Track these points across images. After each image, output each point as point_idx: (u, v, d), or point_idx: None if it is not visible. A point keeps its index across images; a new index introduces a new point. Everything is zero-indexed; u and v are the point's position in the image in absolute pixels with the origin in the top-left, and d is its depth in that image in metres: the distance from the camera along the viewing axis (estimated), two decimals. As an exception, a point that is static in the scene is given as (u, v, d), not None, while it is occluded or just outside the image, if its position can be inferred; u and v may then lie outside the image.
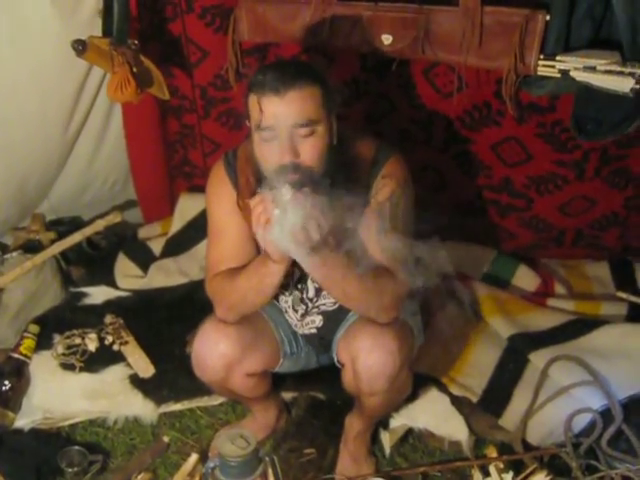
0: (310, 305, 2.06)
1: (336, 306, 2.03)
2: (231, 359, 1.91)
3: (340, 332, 2.04)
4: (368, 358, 1.82)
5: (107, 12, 2.22)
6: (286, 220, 1.56)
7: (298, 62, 1.83)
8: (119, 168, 2.99)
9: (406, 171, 1.88)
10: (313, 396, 2.37)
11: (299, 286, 2.03)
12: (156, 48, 2.44)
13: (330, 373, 2.23)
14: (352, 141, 1.86)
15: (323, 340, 2.12)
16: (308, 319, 2.09)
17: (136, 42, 2.26)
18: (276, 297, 2.05)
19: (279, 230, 1.57)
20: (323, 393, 2.35)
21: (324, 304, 2.05)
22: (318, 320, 2.08)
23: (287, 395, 2.36)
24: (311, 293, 2.03)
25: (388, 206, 1.80)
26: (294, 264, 1.78)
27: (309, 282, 2.01)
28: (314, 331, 2.10)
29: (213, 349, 1.91)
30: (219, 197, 1.94)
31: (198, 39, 2.49)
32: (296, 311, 2.08)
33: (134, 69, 2.25)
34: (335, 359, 2.05)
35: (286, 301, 2.08)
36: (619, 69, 1.89)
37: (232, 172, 1.91)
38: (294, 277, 2.00)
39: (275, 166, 1.67)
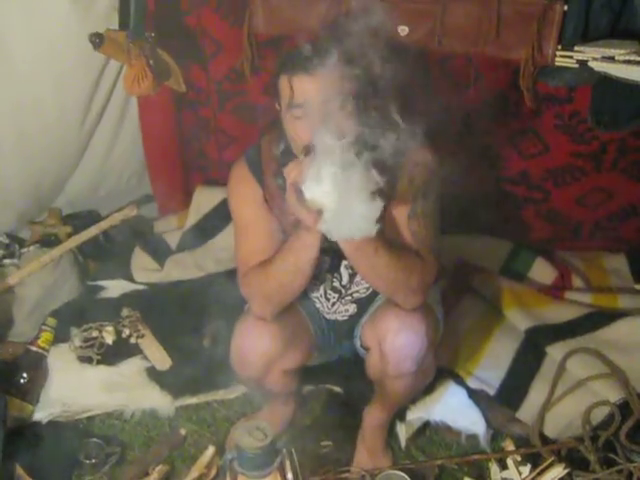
0: (344, 292, 2.06)
1: (369, 292, 2.05)
2: (273, 356, 1.92)
3: (365, 317, 2.05)
4: (396, 339, 1.83)
5: (123, 5, 2.23)
6: (323, 170, 1.55)
7: (326, 42, 1.85)
8: (135, 162, 3.00)
9: (435, 158, 1.90)
10: (330, 389, 2.37)
11: (330, 275, 2.04)
12: (171, 42, 2.44)
13: (347, 366, 2.24)
14: (379, 122, 1.87)
15: (350, 326, 2.13)
16: (342, 307, 2.10)
17: (153, 35, 2.26)
18: (307, 289, 2.03)
19: (315, 186, 1.56)
20: (340, 386, 2.35)
21: (357, 291, 2.06)
22: (352, 308, 2.10)
23: (304, 388, 2.35)
24: (345, 280, 2.04)
25: (421, 191, 1.83)
26: (324, 252, 1.79)
27: (342, 269, 2.02)
28: (346, 318, 2.12)
29: (256, 346, 1.91)
30: (244, 194, 1.94)
31: (213, 32, 2.50)
32: (328, 299, 2.09)
33: (151, 62, 2.26)
34: (358, 344, 2.06)
35: (317, 290, 2.08)
36: (638, 59, 1.88)
37: (255, 168, 1.92)
38: (325, 266, 2.00)
39: (307, 141, 1.68)
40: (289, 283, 1.85)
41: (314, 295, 2.10)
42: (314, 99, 1.70)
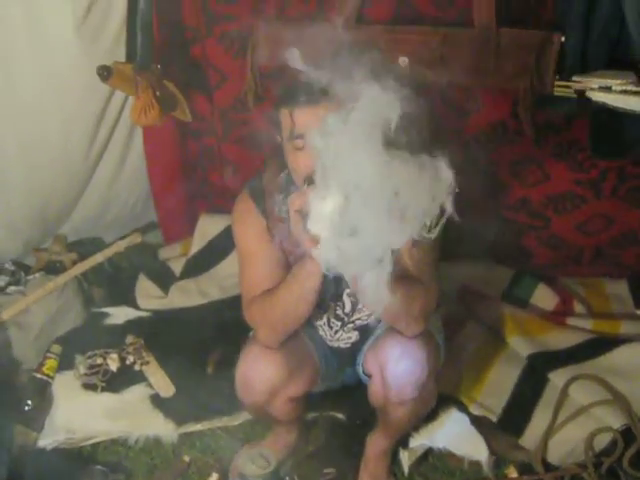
0: (346, 320, 2.08)
1: (370, 318, 2.06)
2: (278, 384, 1.93)
3: (367, 344, 2.06)
4: (397, 366, 1.84)
5: (131, 38, 2.27)
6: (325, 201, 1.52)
7: (327, 73, 1.87)
8: (139, 189, 3.03)
9: None
10: (333, 416, 2.37)
11: (333, 303, 2.05)
12: (177, 72, 2.48)
13: (350, 393, 2.25)
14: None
15: (352, 354, 2.14)
16: (345, 335, 2.11)
17: (159, 66, 2.30)
18: (311, 317, 2.03)
19: (316, 216, 1.54)
20: (343, 413, 2.36)
21: (359, 319, 2.07)
22: (354, 336, 2.11)
23: (307, 415, 2.35)
24: (347, 308, 2.06)
25: None
26: (327, 281, 1.80)
27: (345, 297, 2.04)
28: (349, 346, 2.13)
29: (261, 374, 1.92)
30: (247, 225, 1.96)
31: (218, 63, 2.53)
32: (331, 327, 2.11)
33: (157, 93, 2.30)
34: (361, 371, 2.06)
35: (321, 318, 2.10)
36: (635, 89, 1.91)
37: (258, 199, 1.94)
38: (328, 294, 2.02)
39: (309, 172, 1.67)
40: (293, 311, 1.86)
41: (317, 323, 2.11)
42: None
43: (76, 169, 2.73)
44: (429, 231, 1.51)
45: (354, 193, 1.48)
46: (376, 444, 2.15)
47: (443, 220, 1.50)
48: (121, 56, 2.33)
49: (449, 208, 1.49)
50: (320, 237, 1.55)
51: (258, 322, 1.92)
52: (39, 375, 2.43)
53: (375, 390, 1.94)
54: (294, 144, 1.75)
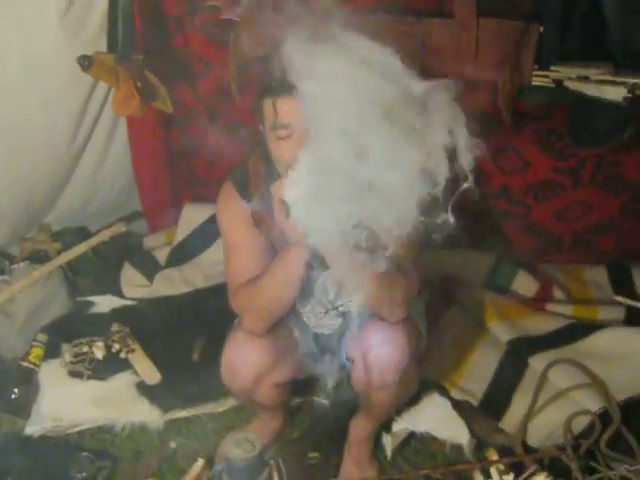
0: (330, 307, 2.10)
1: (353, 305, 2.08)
2: (263, 370, 1.96)
3: (350, 330, 2.08)
4: (379, 352, 1.87)
5: (112, 28, 2.27)
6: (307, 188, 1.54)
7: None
8: (124, 178, 3.03)
9: None
10: (317, 401, 2.39)
11: (317, 290, 2.07)
12: (160, 62, 2.48)
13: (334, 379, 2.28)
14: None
15: (336, 340, 2.17)
16: (328, 321, 2.13)
17: (140, 57, 2.31)
18: (295, 304, 2.06)
19: (299, 203, 1.56)
20: (327, 398, 2.38)
21: (342, 305, 2.09)
22: (338, 323, 2.13)
23: (292, 400, 2.38)
24: (331, 294, 2.08)
25: None
26: (311, 267, 1.83)
27: (328, 284, 2.05)
28: (332, 332, 2.15)
29: (246, 360, 1.94)
30: (232, 214, 1.98)
31: (201, 52, 2.53)
32: (315, 314, 2.13)
33: (138, 83, 2.30)
34: (344, 357, 2.09)
35: (305, 304, 2.11)
36: (611, 79, 1.94)
37: (242, 188, 1.96)
38: (312, 281, 2.02)
39: (292, 162, 1.66)
40: (278, 298, 1.89)
41: (302, 309, 2.14)
42: (298, 118, 1.69)
43: (60, 158, 2.73)
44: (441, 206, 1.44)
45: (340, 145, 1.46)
46: (359, 429, 2.18)
47: (459, 190, 1.47)
48: (104, 47, 2.33)
49: (467, 170, 1.47)
50: (295, 203, 1.55)
51: (244, 309, 1.94)
52: (25, 363, 2.45)
53: (358, 375, 1.97)
54: (277, 134, 1.77)
